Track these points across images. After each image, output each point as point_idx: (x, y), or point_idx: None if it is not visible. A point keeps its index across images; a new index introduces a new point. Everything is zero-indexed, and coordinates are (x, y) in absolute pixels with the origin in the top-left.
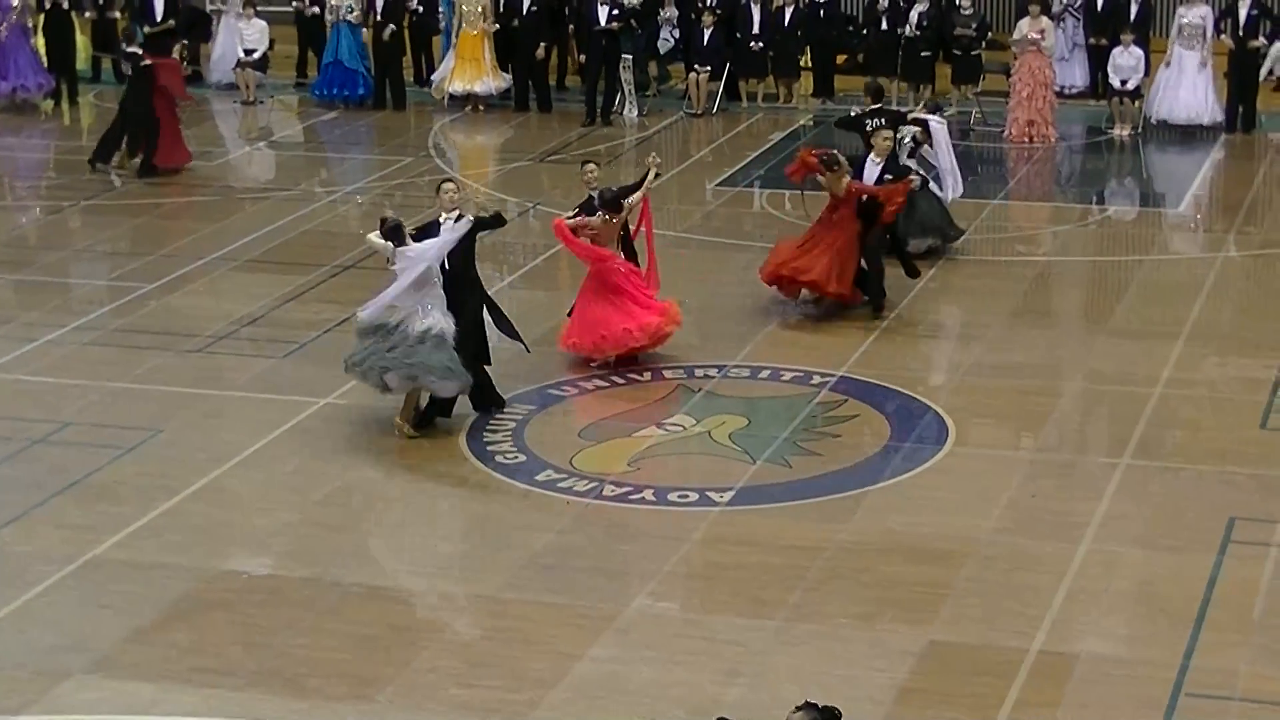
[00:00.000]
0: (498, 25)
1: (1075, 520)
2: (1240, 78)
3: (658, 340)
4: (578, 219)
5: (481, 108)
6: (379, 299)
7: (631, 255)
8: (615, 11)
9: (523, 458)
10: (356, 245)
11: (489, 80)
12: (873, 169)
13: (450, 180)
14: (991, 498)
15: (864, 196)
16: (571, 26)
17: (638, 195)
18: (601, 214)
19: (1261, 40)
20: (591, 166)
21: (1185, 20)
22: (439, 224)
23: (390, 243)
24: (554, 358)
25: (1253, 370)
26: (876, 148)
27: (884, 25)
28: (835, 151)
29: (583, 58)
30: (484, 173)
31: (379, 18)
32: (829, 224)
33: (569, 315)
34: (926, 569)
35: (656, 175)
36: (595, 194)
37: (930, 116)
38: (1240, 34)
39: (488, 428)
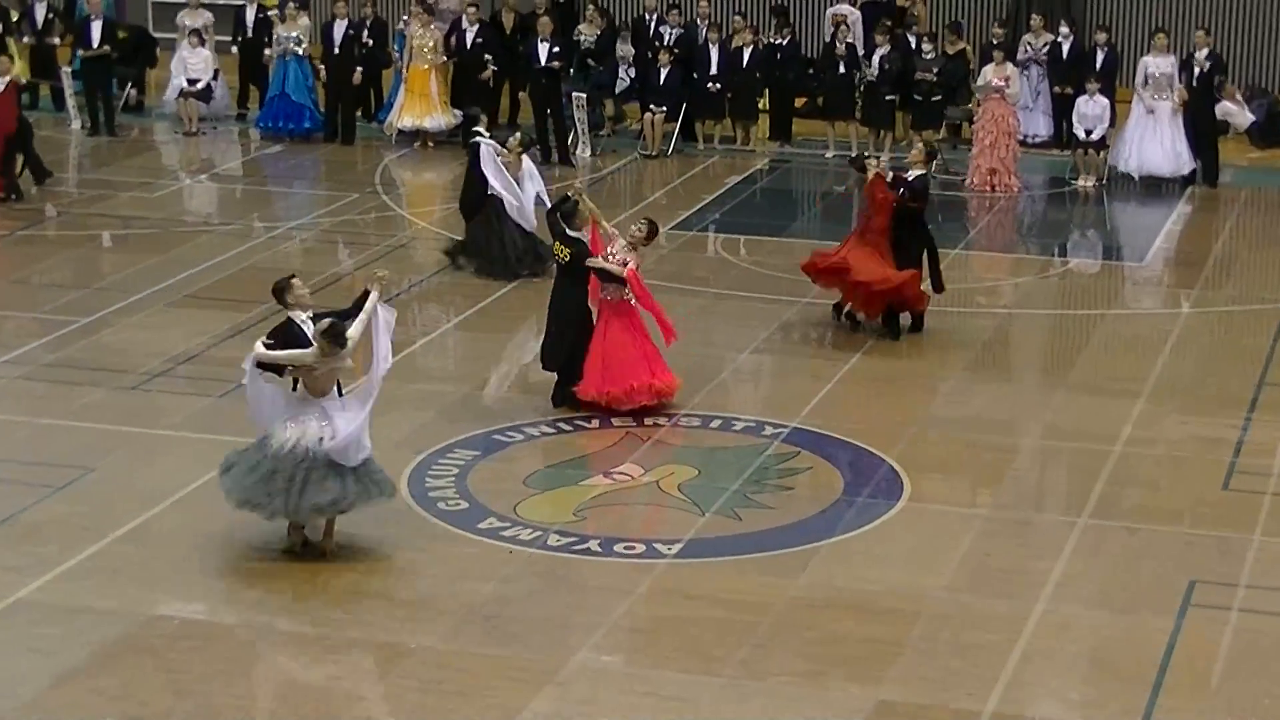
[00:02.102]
0: (444, 58)
1: (1031, 580)
2: (1199, 130)
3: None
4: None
5: (431, 144)
6: (349, 434)
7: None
8: (556, 50)
9: (465, 504)
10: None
11: (439, 116)
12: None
13: (295, 276)
14: (945, 555)
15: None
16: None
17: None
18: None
19: (1220, 79)
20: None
21: (1153, 70)
22: (295, 327)
23: (336, 346)
24: (499, 401)
25: (1215, 429)
26: (915, 160)
27: (841, 69)
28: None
29: (522, 96)
30: (431, 211)
31: (337, 52)
32: (861, 232)
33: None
34: (877, 627)
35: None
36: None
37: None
38: (1194, 84)
39: (430, 472)
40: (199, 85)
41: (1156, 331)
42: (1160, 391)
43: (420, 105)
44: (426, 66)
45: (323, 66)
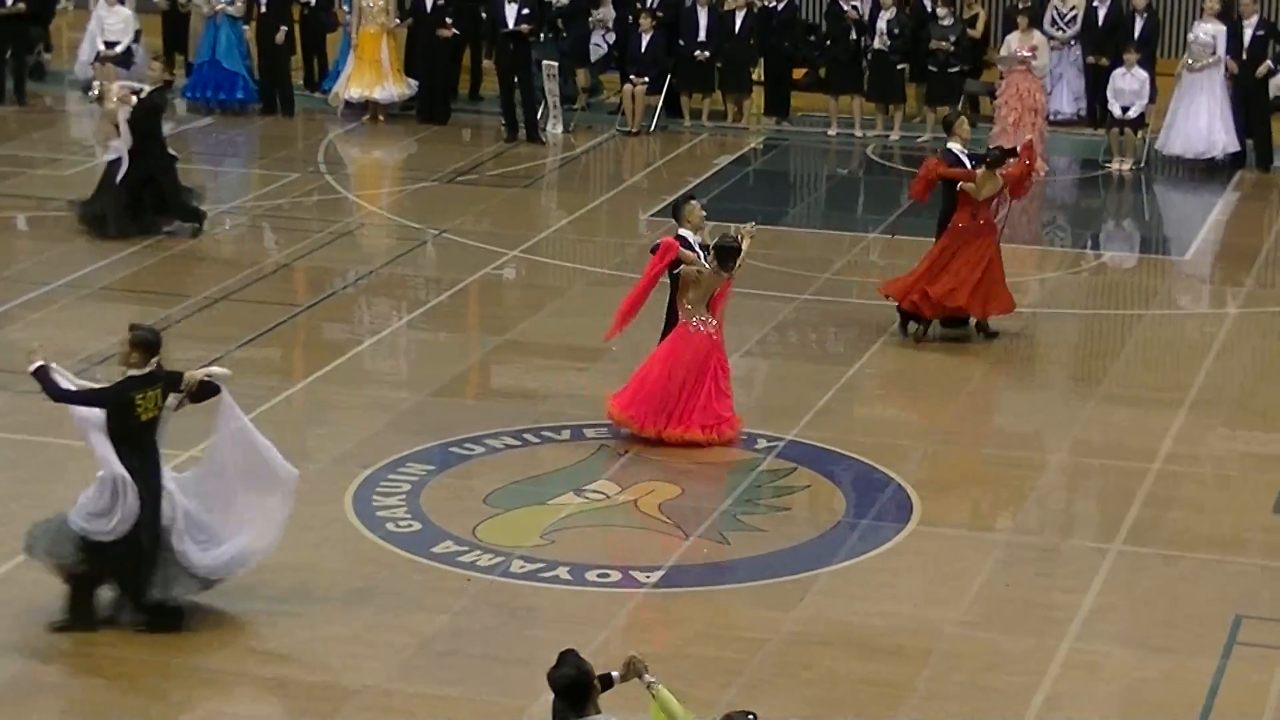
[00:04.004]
0: (398, 22)
1: (1057, 614)
2: (1249, 107)
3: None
4: (690, 254)
5: (381, 117)
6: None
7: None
8: (525, 12)
9: (418, 526)
10: (231, 273)
11: (390, 86)
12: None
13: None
14: (960, 585)
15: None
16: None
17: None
18: (714, 266)
19: (1268, 64)
20: (696, 204)
21: (1193, 36)
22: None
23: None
24: (456, 410)
25: (1265, 445)
26: (961, 136)
27: (852, 35)
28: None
29: (488, 64)
30: (380, 194)
31: (263, 11)
32: (966, 234)
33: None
34: (883, 666)
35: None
36: (695, 240)
37: None
38: (1244, 57)
39: (378, 489)
40: (117, 49)
41: (1200, 335)
42: (1204, 402)
43: (370, 74)
44: (377, 30)
45: (247, 28)
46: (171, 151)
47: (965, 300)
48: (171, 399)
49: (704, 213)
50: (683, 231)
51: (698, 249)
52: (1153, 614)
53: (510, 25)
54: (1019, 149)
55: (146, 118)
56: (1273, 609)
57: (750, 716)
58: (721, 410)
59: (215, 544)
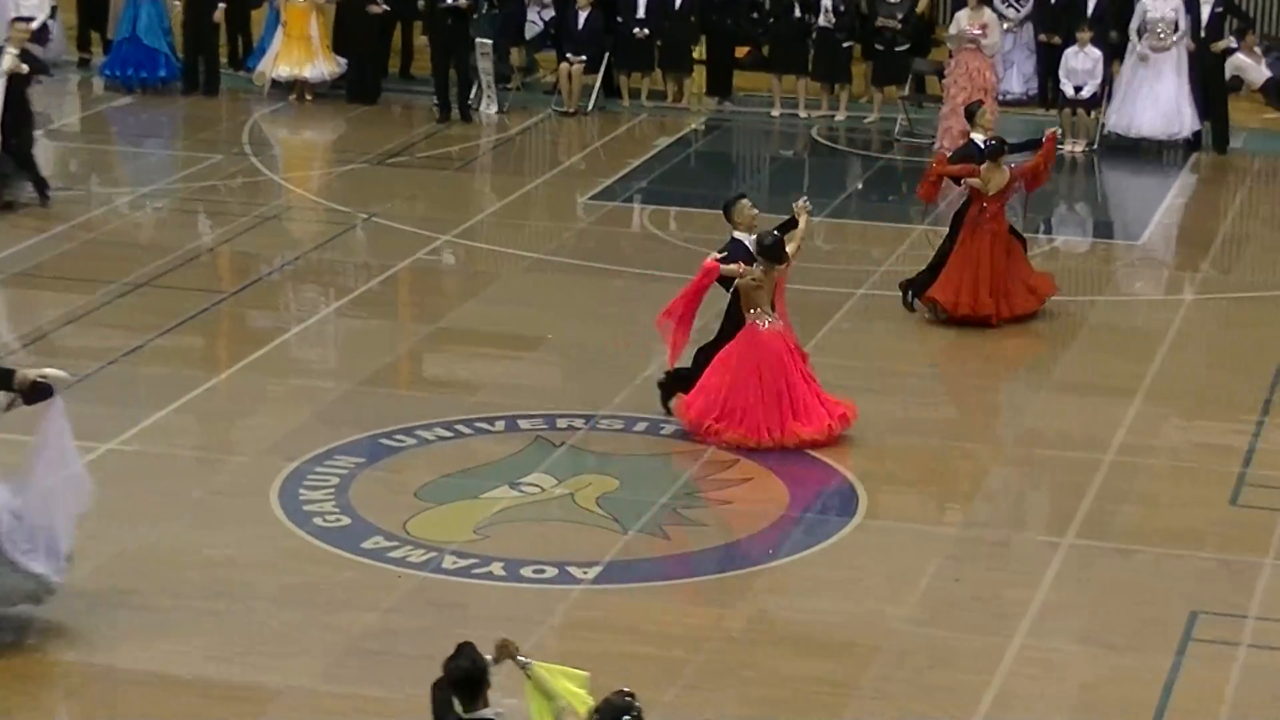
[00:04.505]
0: None
1: (1008, 610)
2: (1206, 87)
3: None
4: (736, 265)
5: (309, 97)
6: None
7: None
8: None
9: (347, 520)
10: (151, 258)
11: (320, 64)
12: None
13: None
14: (908, 581)
15: (1023, 178)
16: (421, 2)
17: (794, 246)
18: (761, 264)
19: (1228, 40)
20: (747, 203)
21: (1154, 14)
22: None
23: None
24: (386, 400)
25: (1222, 435)
26: (983, 125)
27: (796, 13)
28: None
29: (423, 40)
30: (308, 176)
31: None
32: (984, 230)
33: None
34: (828, 664)
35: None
36: (745, 244)
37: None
38: (1203, 34)
39: (305, 483)
40: (33, 24)
41: (1155, 322)
42: (1159, 392)
43: (299, 51)
44: (305, 5)
45: (179, 4)
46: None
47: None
48: (2, 397)
49: (755, 210)
50: (737, 235)
51: (749, 246)
52: (1106, 610)
53: (448, 0)
54: (1043, 138)
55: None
56: (1229, 604)
57: (628, 698)
58: (822, 403)
59: (35, 550)
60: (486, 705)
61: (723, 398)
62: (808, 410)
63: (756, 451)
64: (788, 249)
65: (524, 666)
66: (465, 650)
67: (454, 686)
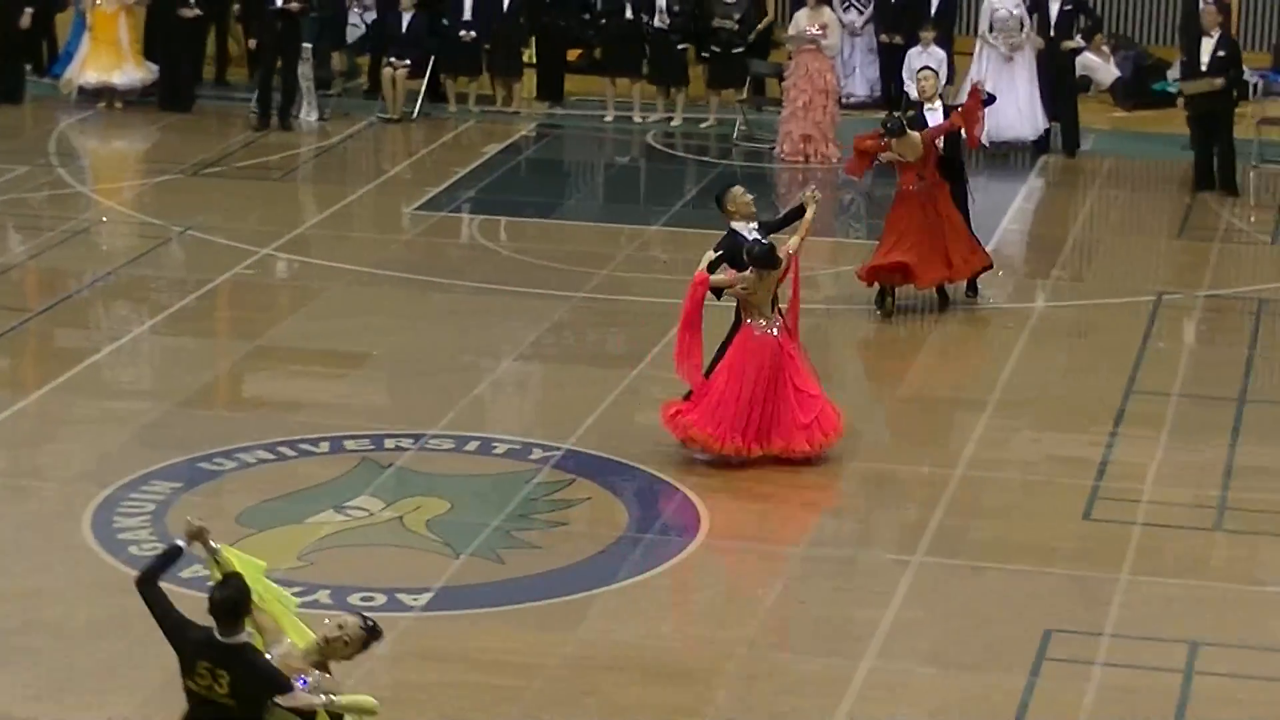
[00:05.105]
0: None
1: (856, 632)
2: (1055, 87)
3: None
4: (728, 276)
5: (119, 104)
6: None
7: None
8: None
9: (164, 549)
10: None
11: (130, 70)
12: (934, 117)
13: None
14: (752, 603)
15: (942, 137)
16: (236, 6)
17: (798, 238)
18: (754, 271)
19: (1078, 40)
20: (740, 190)
21: (1001, 13)
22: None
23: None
24: (205, 422)
25: (1075, 447)
26: (924, 92)
27: (629, 13)
28: (895, 114)
29: (253, 44)
30: (119, 187)
31: None
32: (916, 200)
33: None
34: (671, 691)
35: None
36: (744, 235)
37: None
38: (1052, 33)
39: (120, 510)
40: None
41: (1004, 330)
42: (1010, 403)
43: (107, 57)
44: (115, 9)
45: None
46: None
47: (914, 262)
48: None
49: (751, 196)
50: (734, 225)
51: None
52: (958, 629)
53: (279, 2)
54: (970, 89)
55: None
56: (1084, 622)
57: (369, 622)
58: (805, 417)
59: None
60: (243, 630)
61: (714, 401)
62: (781, 425)
63: (719, 459)
64: (790, 244)
65: (213, 552)
66: (231, 580)
67: (219, 615)
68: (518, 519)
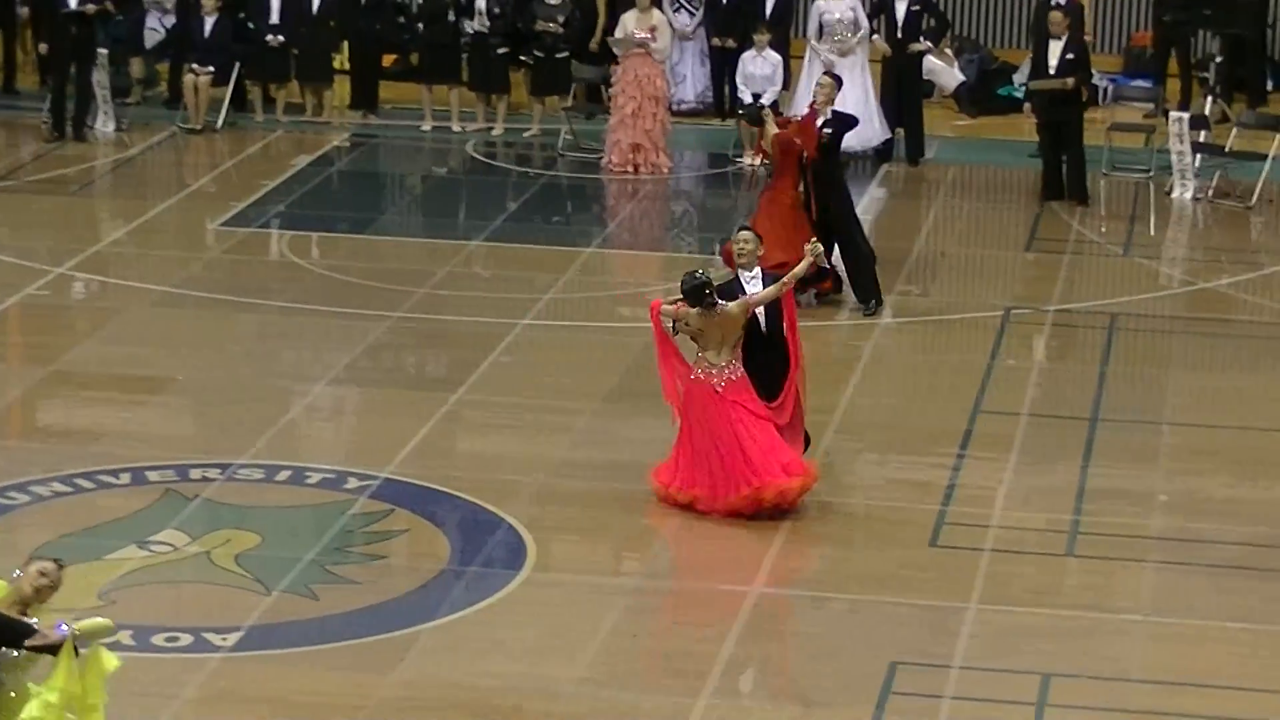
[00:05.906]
0: None
1: (692, 666)
2: (900, 92)
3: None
4: (674, 307)
5: None
6: None
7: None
8: None
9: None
10: None
11: None
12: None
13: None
14: (581, 638)
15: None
16: (25, 9)
17: (773, 290)
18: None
19: (925, 43)
20: (747, 235)
21: (830, 16)
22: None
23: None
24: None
25: (920, 471)
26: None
27: (450, 16)
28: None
29: (44, 48)
30: None
31: None
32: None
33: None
34: None
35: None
36: (747, 275)
37: None
38: (899, 35)
39: None
40: None
41: (845, 349)
42: (851, 424)
43: None
44: None
45: None
46: None
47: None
48: None
49: (748, 244)
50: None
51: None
52: (799, 663)
53: (73, 4)
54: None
55: None
56: (931, 653)
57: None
58: (770, 464)
59: None
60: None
61: (676, 455)
62: (730, 476)
63: (709, 513)
64: (764, 293)
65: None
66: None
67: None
68: (333, 552)
